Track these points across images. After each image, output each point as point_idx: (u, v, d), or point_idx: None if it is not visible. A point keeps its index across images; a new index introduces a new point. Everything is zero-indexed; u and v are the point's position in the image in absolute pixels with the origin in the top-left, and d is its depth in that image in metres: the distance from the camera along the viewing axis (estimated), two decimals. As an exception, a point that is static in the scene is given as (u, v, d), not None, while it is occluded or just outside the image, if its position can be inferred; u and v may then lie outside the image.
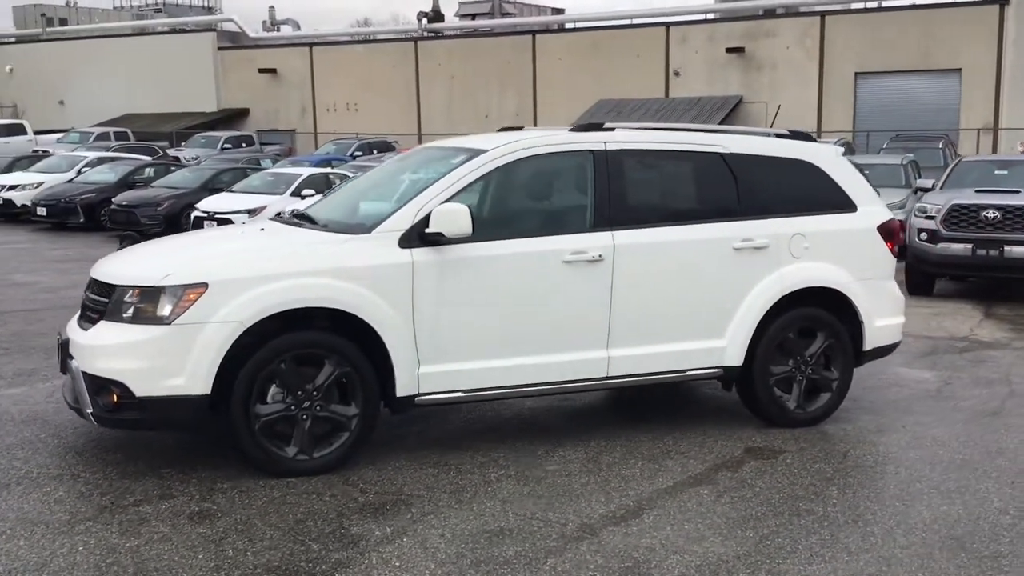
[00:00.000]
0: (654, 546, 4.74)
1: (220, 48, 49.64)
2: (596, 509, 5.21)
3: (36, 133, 39.44)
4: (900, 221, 7.54)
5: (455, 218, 5.71)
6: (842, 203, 7.05)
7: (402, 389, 5.76)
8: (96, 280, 5.84)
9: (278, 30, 54.94)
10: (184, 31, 52.67)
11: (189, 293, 5.35)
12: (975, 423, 7.03)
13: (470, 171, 6.07)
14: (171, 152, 33.52)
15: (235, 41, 50.72)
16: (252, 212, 18.05)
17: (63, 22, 64.06)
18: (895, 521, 5.13)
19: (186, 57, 49.29)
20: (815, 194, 7.02)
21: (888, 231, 7.16)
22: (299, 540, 4.72)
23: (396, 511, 5.11)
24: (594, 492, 5.46)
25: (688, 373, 6.58)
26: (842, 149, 7.36)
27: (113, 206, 21.05)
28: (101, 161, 26.21)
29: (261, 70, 48.16)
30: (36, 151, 32.60)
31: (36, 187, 24.09)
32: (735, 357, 6.62)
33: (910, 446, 6.48)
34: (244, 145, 36.78)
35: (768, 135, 7.24)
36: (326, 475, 5.58)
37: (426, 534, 4.82)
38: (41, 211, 22.63)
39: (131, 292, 5.48)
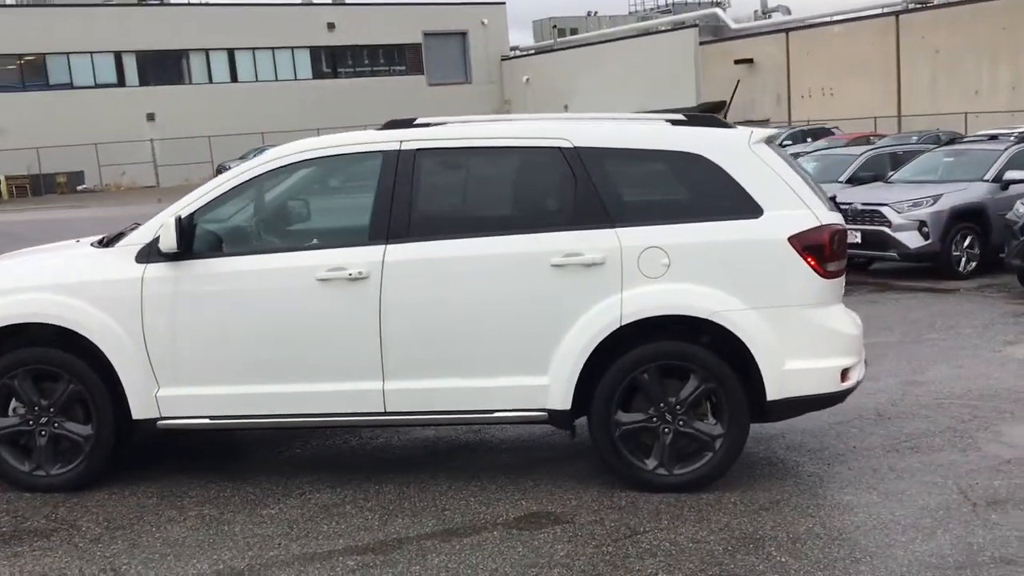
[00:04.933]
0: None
1: (702, 43, 49.93)
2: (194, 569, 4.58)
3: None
4: (839, 229, 5.44)
5: (165, 232, 5.34)
6: (740, 207, 5.31)
7: (138, 411, 5.52)
8: None
9: (769, 17, 53.72)
10: (678, 28, 53.65)
11: (-63, 305, 5.64)
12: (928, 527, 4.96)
13: (230, 178, 5.60)
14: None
15: (717, 34, 50.70)
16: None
17: (574, 32, 68.75)
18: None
19: (670, 55, 50.27)
20: (700, 195, 5.40)
21: (810, 244, 5.26)
22: None
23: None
24: (221, 548, 4.79)
25: (498, 415, 5.43)
26: (763, 136, 5.51)
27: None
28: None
29: (737, 61, 47.63)
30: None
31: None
32: (560, 399, 5.34)
33: (752, 536, 4.75)
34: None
35: (659, 121, 5.69)
36: (52, 495, 5.53)
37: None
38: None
39: None
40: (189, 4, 55.98)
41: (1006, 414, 6.69)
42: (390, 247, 5.37)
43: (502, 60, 60.07)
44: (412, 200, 5.43)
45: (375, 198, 5.47)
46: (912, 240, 12.80)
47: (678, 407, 5.32)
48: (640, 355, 5.30)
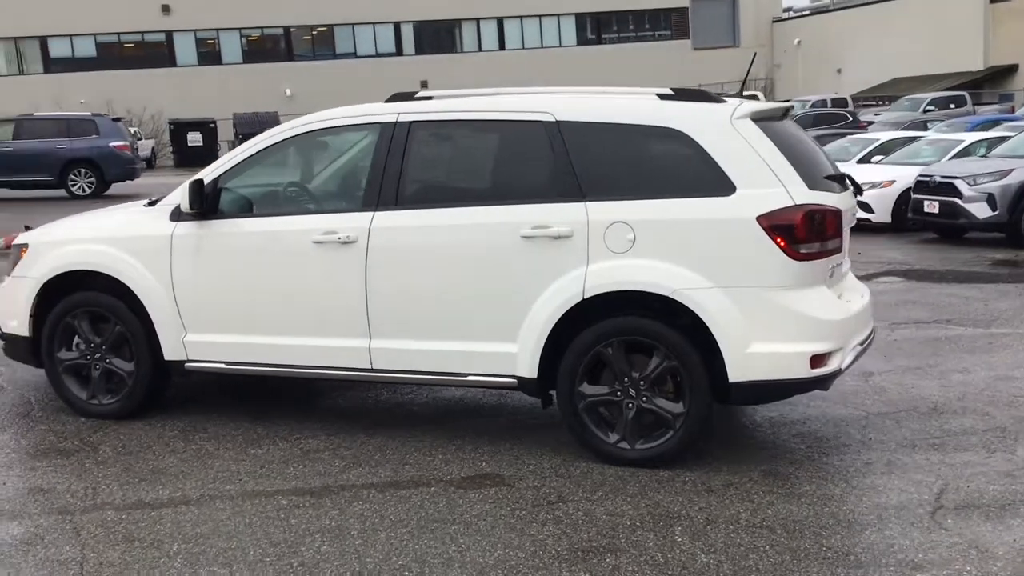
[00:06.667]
0: None
1: (993, 1, 45.99)
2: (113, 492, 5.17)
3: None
4: (817, 209, 5.07)
5: (183, 194, 5.91)
6: (714, 184, 5.16)
7: (169, 353, 6.15)
8: None
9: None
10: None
11: (21, 252, 6.53)
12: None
13: (250, 147, 6.08)
14: (865, 117, 32.65)
15: (1013, -9, 46.45)
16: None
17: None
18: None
19: (952, 14, 46.75)
20: (675, 171, 5.30)
21: (779, 224, 5.04)
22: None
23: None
24: (192, 478, 5.30)
25: (471, 378, 5.61)
26: (748, 111, 5.25)
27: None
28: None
29: (1032, 20, 43.45)
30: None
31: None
32: (527, 368, 5.45)
33: (670, 515, 4.70)
34: (952, 106, 33.90)
35: (647, 96, 5.58)
36: (97, 421, 6.28)
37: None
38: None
39: (12, 250, 6.82)
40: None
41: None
42: (378, 214, 5.67)
43: (773, 22, 58.08)
44: (402, 170, 5.69)
45: (370, 167, 5.78)
46: None
47: (641, 383, 5.29)
48: (602, 329, 5.31)
